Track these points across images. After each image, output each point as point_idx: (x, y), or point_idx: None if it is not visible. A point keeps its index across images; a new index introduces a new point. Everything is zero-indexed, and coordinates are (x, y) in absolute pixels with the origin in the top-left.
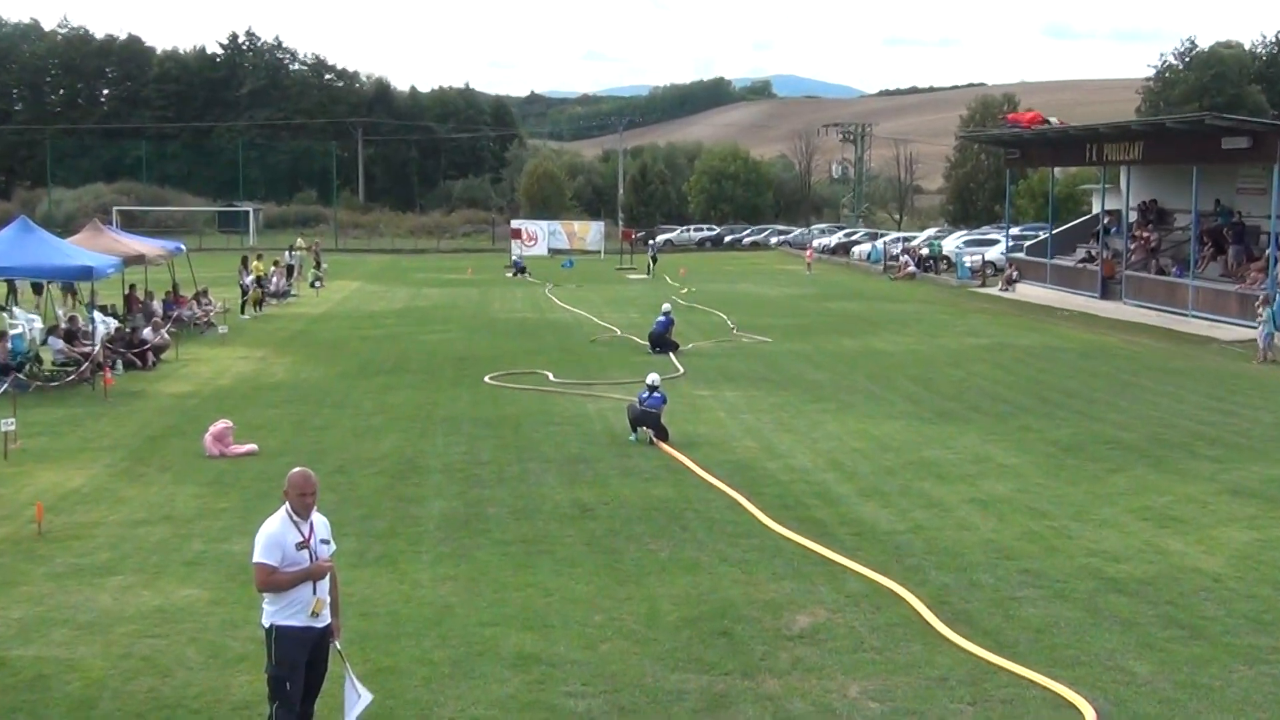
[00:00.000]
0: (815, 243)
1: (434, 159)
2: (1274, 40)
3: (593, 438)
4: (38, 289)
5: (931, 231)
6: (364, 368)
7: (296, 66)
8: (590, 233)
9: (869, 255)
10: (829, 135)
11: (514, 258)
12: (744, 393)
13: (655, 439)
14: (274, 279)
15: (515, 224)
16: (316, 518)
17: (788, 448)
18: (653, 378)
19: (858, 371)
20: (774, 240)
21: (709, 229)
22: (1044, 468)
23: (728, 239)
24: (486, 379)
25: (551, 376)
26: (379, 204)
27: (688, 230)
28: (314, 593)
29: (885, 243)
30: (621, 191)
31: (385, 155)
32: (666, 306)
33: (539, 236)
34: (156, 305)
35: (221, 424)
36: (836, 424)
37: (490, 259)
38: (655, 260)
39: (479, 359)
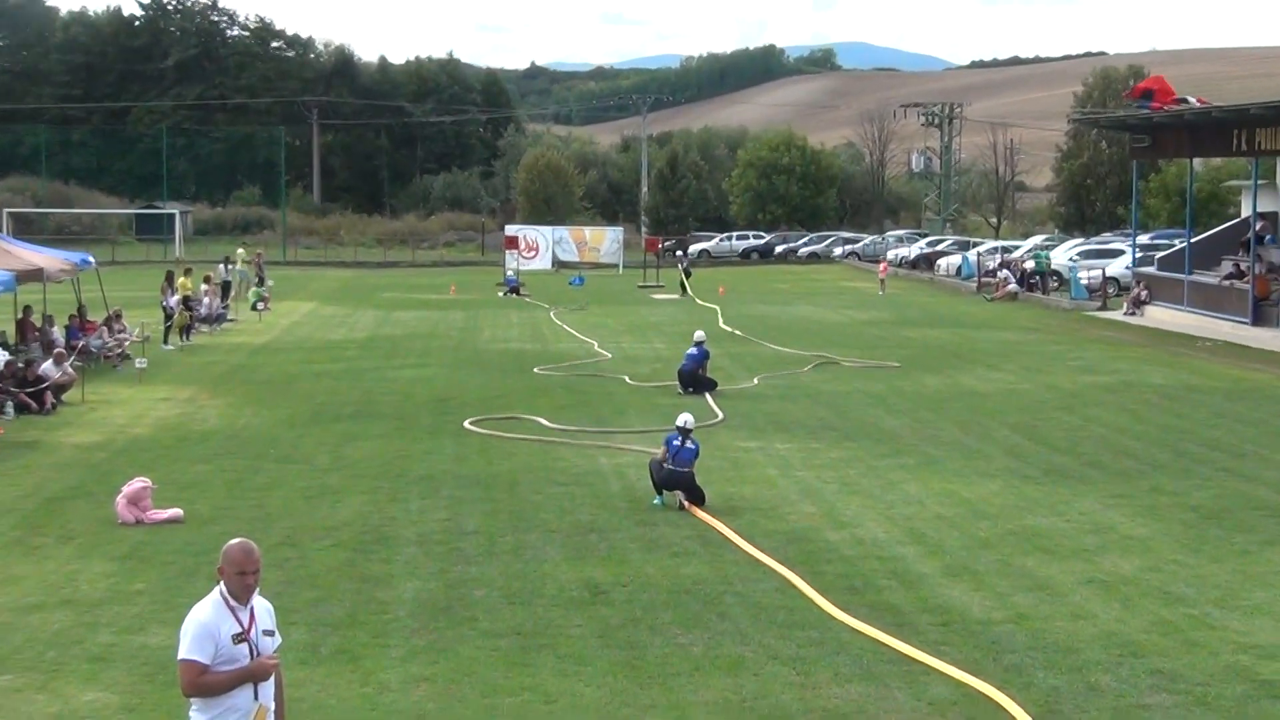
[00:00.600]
0: (890, 254)
1: (408, 149)
2: None
3: (607, 501)
4: None
5: (1038, 240)
6: (319, 412)
7: (236, 32)
8: (605, 241)
9: (959, 270)
10: (908, 118)
11: (508, 273)
12: (800, 444)
13: (687, 502)
14: (206, 299)
15: (511, 230)
16: (258, 602)
17: (855, 514)
18: (685, 419)
19: (944, 417)
20: (838, 251)
21: (756, 237)
22: (1181, 540)
23: (779, 249)
24: (467, 424)
25: (545, 422)
26: (339, 205)
27: (728, 239)
28: (255, 698)
29: (979, 254)
30: (645, 189)
31: (347, 144)
32: (700, 335)
33: (540, 246)
34: (57, 333)
35: (138, 483)
36: (917, 484)
37: (479, 274)
38: (689, 275)
39: (464, 402)
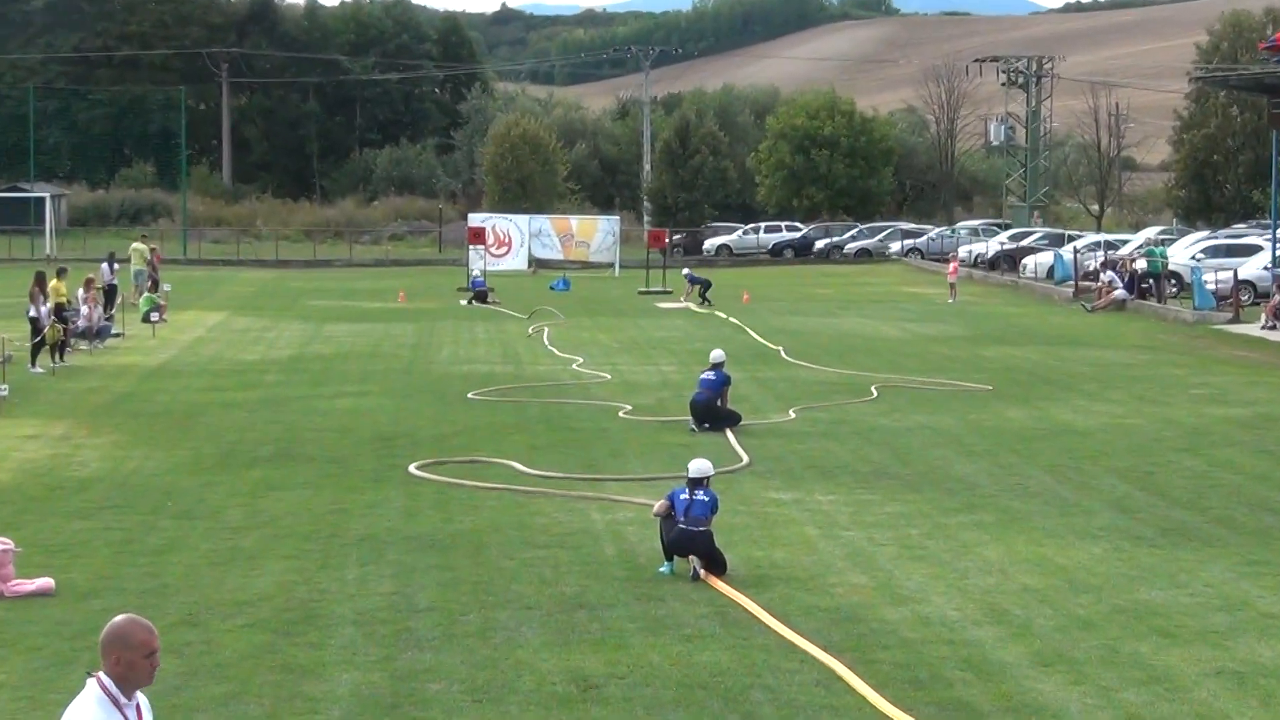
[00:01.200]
0: (963, 251)
1: (344, 114)
2: None
3: (600, 568)
4: None
5: (1151, 233)
6: (229, 454)
7: None
8: (597, 235)
9: (1050, 271)
10: (984, 76)
11: (473, 275)
12: (846, 495)
13: (703, 571)
14: (85, 309)
15: (475, 220)
16: (140, 698)
17: (918, 586)
18: (699, 466)
19: (1032, 461)
20: (895, 247)
21: (790, 229)
22: None
23: (820, 245)
24: (413, 468)
25: (519, 467)
26: (255, 187)
27: (754, 231)
28: None
29: (1076, 251)
30: (648, 168)
31: (266, 109)
32: (719, 355)
33: (514, 240)
34: None
35: None
36: (998, 547)
37: (435, 276)
38: (701, 285)
39: (416, 440)
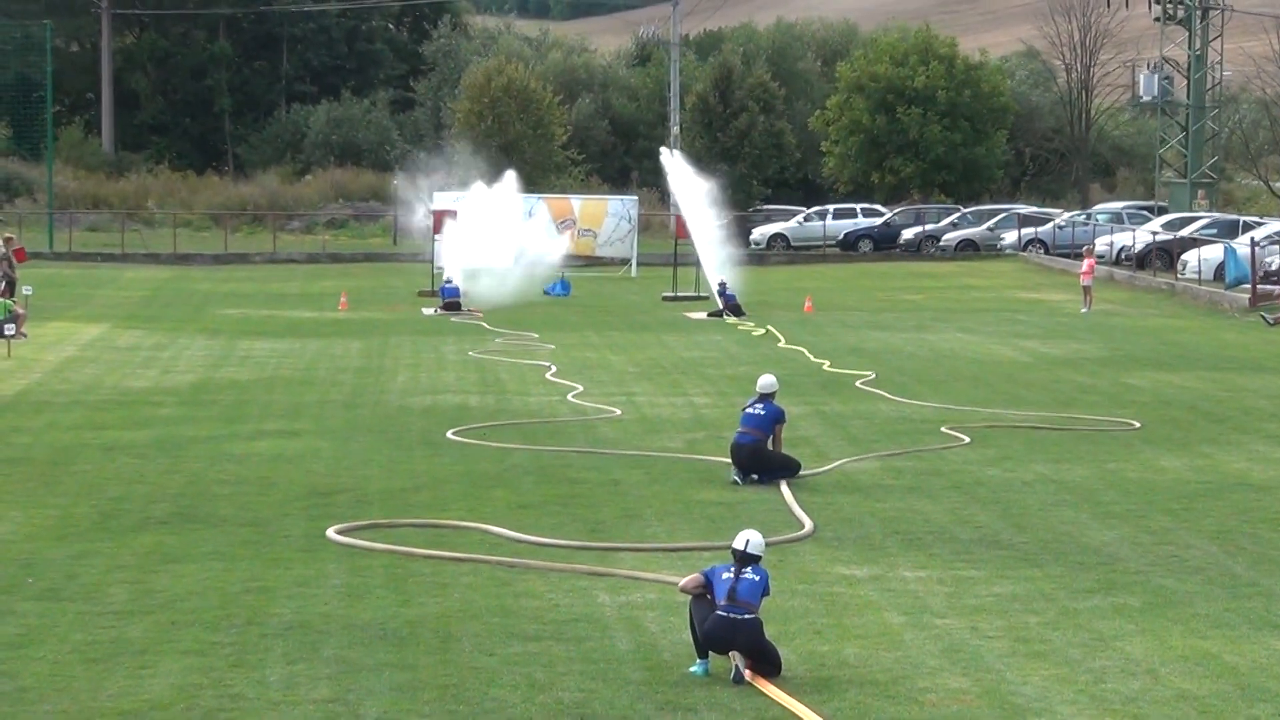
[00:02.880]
0: (1101, 243)
1: (266, 58)
2: None
3: (610, 668)
4: None
5: None
6: (111, 514)
7: None
8: (608, 220)
9: (1219, 270)
10: (1131, 9)
11: (445, 279)
12: (942, 571)
13: (748, 671)
14: None
15: (440, 200)
16: None
17: (1038, 692)
18: (749, 540)
19: (1193, 526)
20: (1009, 238)
21: (867, 213)
22: None
23: (909, 234)
24: (330, 533)
25: (502, 532)
26: (147, 156)
27: (819, 216)
28: None
29: (1255, 243)
30: (676, 129)
31: (161, 51)
32: (769, 382)
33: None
34: None
35: None
36: (1146, 640)
37: (388, 276)
38: (729, 298)
39: (361, 496)
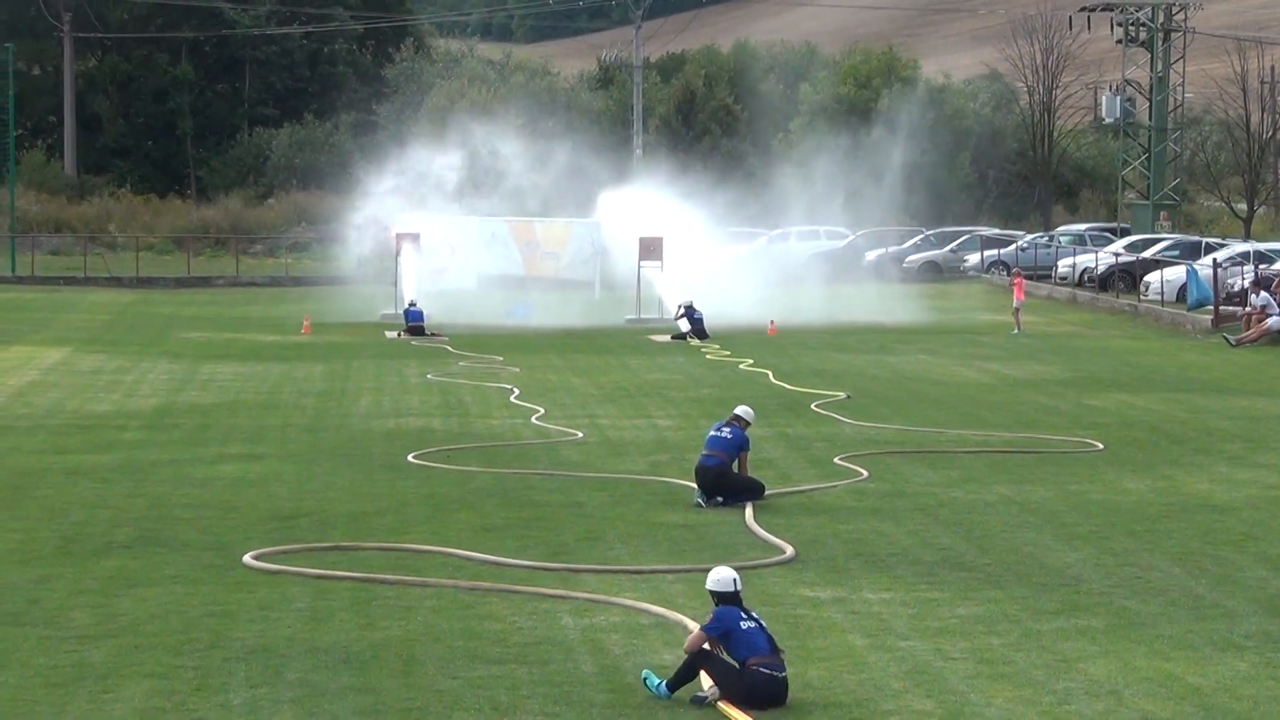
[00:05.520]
0: (1065, 264)
1: (228, 81)
2: None
3: (574, 690)
4: None
5: None
6: (73, 539)
7: None
8: (572, 243)
9: (1182, 292)
10: (1094, 31)
11: (408, 302)
12: (905, 593)
13: (712, 696)
14: None
15: (404, 224)
16: None
17: (1002, 714)
18: (721, 578)
19: (1155, 547)
20: (972, 260)
21: (830, 235)
22: None
23: (872, 256)
24: (247, 558)
25: (466, 555)
26: (109, 180)
27: (781, 237)
28: None
29: (1218, 264)
30: (639, 151)
31: (124, 74)
32: (747, 410)
33: (454, 250)
34: None
35: None
36: (1109, 662)
37: (351, 300)
38: (692, 317)
39: (325, 519)
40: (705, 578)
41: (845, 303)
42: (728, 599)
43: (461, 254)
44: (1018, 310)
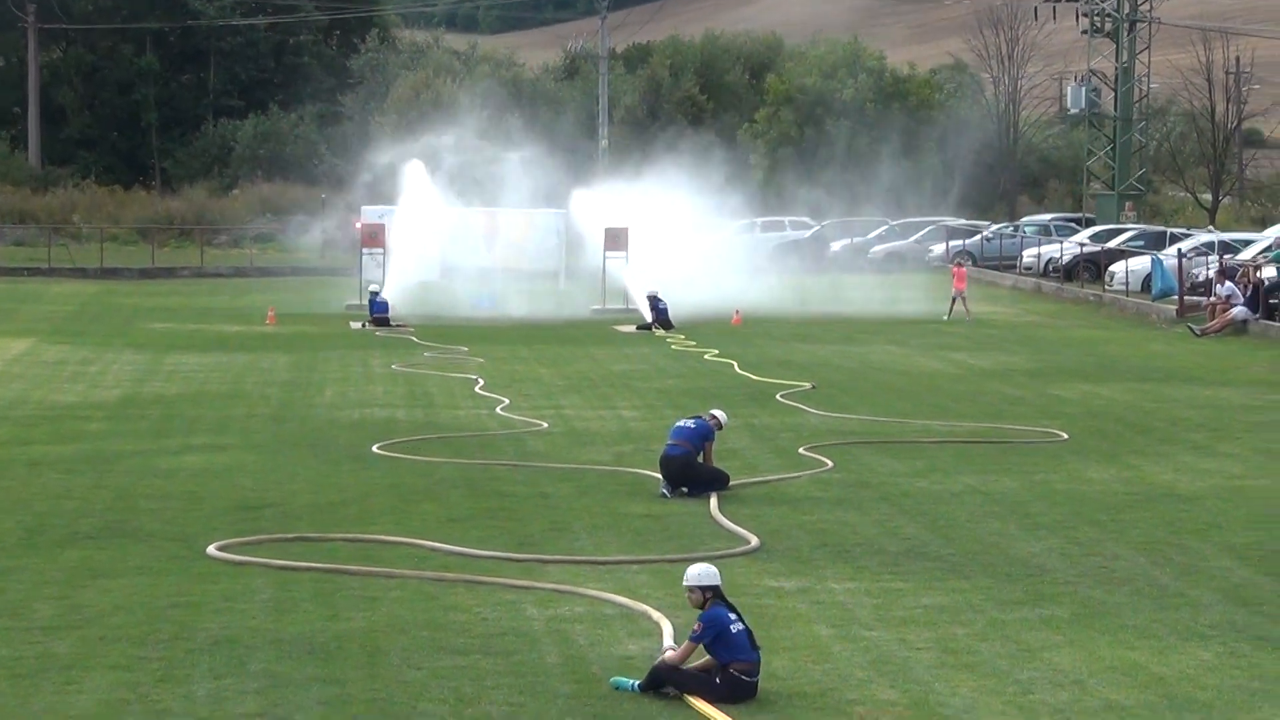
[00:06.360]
0: (1029, 254)
1: (193, 72)
2: None
3: (538, 681)
4: None
5: None
6: (37, 530)
7: None
8: (538, 233)
9: (1146, 282)
10: (1059, 21)
11: (371, 289)
12: (870, 583)
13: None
14: None
15: (369, 214)
16: None
17: (966, 704)
18: (707, 571)
19: (1120, 537)
20: (937, 250)
21: (795, 225)
22: None
23: (837, 246)
24: (211, 550)
25: (430, 545)
26: (73, 171)
27: (747, 228)
28: None
29: (1182, 254)
30: (605, 141)
31: (88, 66)
32: (720, 414)
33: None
34: None
35: None
36: (1074, 652)
37: (316, 290)
38: (656, 307)
39: (289, 510)
40: (669, 568)
41: (810, 293)
42: (717, 592)
43: (428, 244)
44: (960, 299)
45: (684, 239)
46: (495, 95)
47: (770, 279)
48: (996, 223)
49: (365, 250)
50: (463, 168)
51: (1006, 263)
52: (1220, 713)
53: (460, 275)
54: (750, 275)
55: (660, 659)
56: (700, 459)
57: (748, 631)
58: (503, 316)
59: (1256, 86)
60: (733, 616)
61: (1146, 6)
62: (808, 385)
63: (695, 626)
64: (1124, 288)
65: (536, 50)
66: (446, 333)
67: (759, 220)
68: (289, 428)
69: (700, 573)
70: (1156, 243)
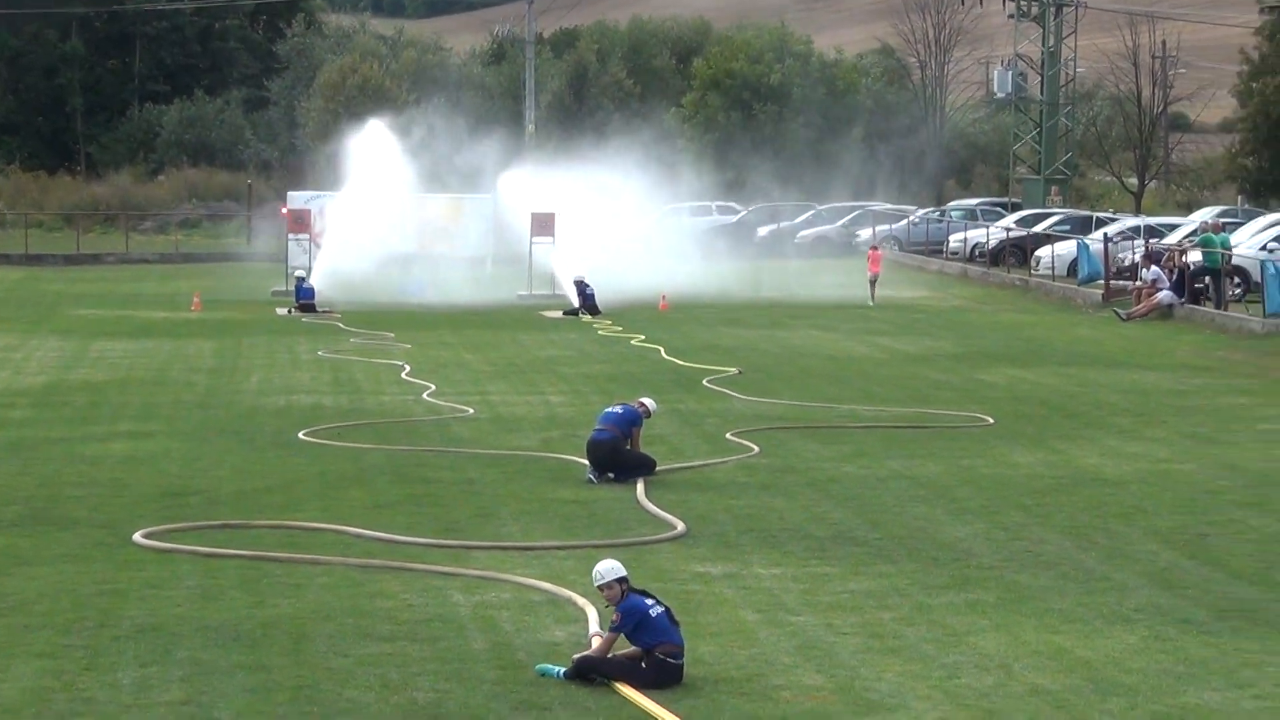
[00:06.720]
0: (956, 239)
1: (118, 57)
2: None
3: (465, 667)
4: None
5: (1208, 215)
6: None
7: None
8: (464, 219)
9: (1073, 266)
10: (985, 6)
11: (298, 275)
12: (797, 568)
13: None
14: None
15: (297, 200)
16: None
17: (892, 688)
18: (612, 566)
19: (1046, 521)
20: (864, 235)
21: (722, 210)
22: None
23: (764, 231)
24: (137, 537)
25: (356, 531)
26: None
27: (673, 212)
28: None
29: (1108, 238)
30: (532, 126)
31: (11, 50)
32: (650, 402)
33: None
34: None
35: None
36: (999, 636)
37: (243, 277)
38: (584, 292)
39: (215, 497)
40: (596, 554)
41: (737, 278)
42: (626, 582)
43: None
44: (872, 282)
45: (611, 224)
46: (421, 80)
47: (697, 264)
48: (923, 207)
49: (291, 236)
50: (389, 153)
51: (933, 248)
52: (1145, 696)
53: (388, 261)
54: (677, 260)
55: (583, 653)
56: (628, 445)
57: (667, 611)
58: (429, 302)
59: (1183, 71)
60: (649, 602)
61: None
62: (734, 370)
63: (614, 617)
64: (1050, 272)
65: (463, 35)
66: (373, 319)
67: (686, 205)
68: (215, 414)
69: (609, 568)
70: (1083, 227)
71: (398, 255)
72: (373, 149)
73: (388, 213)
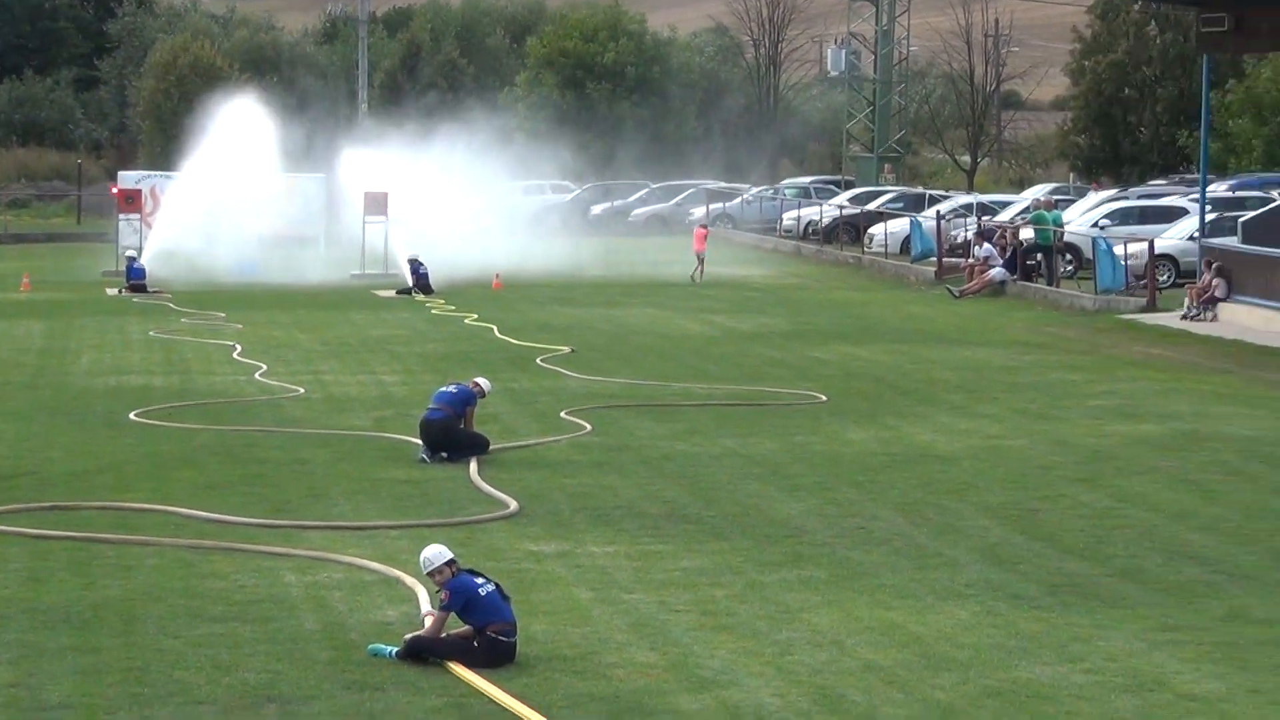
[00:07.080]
0: (790, 217)
1: None
2: None
3: (296, 647)
4: None
5: (1040, 193)
6: None
7: None
8: (295, 199)
9: (905, 244)
10: None
11: (128, 256)
12: (629, 546)
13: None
14: None
15: (127, 179)
16: None
17: (725, 665)
18: (438, 551)
19: (878, 497)
20: (697, 213)
21: (556, 189)
22: (1277, 699)
23: (598, 209)
24: None
25: (186, 512)
26: None
27: (507, 189)
28: None
29: (941, 216)
30: (365, 106)
31: None
32: (484, 382)
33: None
34: None
35: None
36: (832, 612)
37: (72, 257)
38: (417, 272)
39: (46, 478)
40: (429, 534)
41: (571, 257)
42: (454, 564)
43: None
44: (700, 259)
45: (444, 203)
46: (254, 59)
47: (531, 243)
48: (757, 185)
49: (122, 216)
50: (224, 132)
51: (767, 226)
52: (977, 671)
53: (219, 241)
54: (511, 239)
55: (416, 633)
56: (461, 424)
57: (497, 589)
58: (262, 282)
59: (1015, 49)
60: (479, 580)
61: None
62: (567, 349)
63: (443, 595)
64: (883, 250)
65: (295, 14)
66: (204, 299)
67: (520, 184)
68: (44, 395)
69: (435, 553)
70: (916, 205)
71: (230, 235)
72: (239, 125)
73: (219, 192)
